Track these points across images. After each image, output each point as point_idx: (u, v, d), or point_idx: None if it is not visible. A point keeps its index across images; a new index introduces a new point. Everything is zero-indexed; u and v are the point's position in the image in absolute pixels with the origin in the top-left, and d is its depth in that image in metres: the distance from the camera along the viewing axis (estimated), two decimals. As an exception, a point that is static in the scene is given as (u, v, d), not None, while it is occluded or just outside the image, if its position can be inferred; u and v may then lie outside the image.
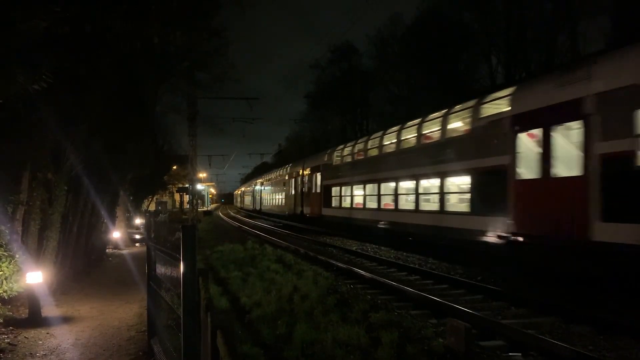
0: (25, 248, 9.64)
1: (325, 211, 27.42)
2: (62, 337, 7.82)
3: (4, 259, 8.47)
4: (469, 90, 33.33)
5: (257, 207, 57.90)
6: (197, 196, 38.68)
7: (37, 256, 10.31)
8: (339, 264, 14.30)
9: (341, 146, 27.03)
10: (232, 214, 68.73)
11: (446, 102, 18.50)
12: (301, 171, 33.51)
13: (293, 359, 6.25)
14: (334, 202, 26.08)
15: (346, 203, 24.55)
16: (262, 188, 54.33)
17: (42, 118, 9.53)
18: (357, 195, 23.30)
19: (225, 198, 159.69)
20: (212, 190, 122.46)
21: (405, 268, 13.88)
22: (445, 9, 39.20)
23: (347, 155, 25.45)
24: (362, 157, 23.11)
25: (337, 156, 26.88)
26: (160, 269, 5.88)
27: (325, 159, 28.50)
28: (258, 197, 58.31)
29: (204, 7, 15.14)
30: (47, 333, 8.06)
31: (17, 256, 8.91)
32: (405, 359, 6.01)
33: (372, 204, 21.34)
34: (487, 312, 8.67)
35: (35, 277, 8.66)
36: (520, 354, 6.57)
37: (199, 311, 4.17)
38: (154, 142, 24.61)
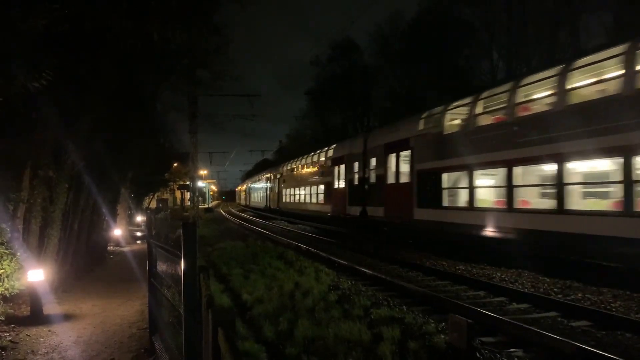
0: (26, 246, 9.67)
1: (422, 214, 16.58)
2: (64, 335, 7.83)
3: (5, 257, 8.48)
4: (470, 86, 33.24)
5: (273, 205, 44.63)
6: (198, 193, 38.71)
7: (39, 254, 10.33)
8: (341, 261, 14.29)
9: (467, 100, 15.31)
10: (234, 211, 68.63)
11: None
12: (362, 152, 22.39)
13: (295, 356, 6.26)
14: (447, 200, 15.51)
15: (484, 200, 14.05)
16: (282, 181, 41.47)
17: (42, 116, 9.54)
18: (527, 187, 12.70)
19: (226, 195, 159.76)
20: (213, 188, 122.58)
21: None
22: (446, 5, 39.14)
23: (482, 114, 14.48)
24: (529, 114, 12.55)
25: (451, 120, 16.02)
26: (162, 267, 5.88)
27: (421, 128, 17.36)
28: (274, 193, 44.65)
29: (203, 6, 15.11)
30: (49, 331, 8.08)
31: (18, 254, 8.93)
32: (407, 355, 6.01)
33: (578, 203, 11.17)
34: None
35: (36, 275, 8.67)
36: (522, 349, 6.55)
37: (200, 308, 4.17)
38: (154, 139, 24.58)
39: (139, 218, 28.28)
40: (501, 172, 13.08)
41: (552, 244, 11.23)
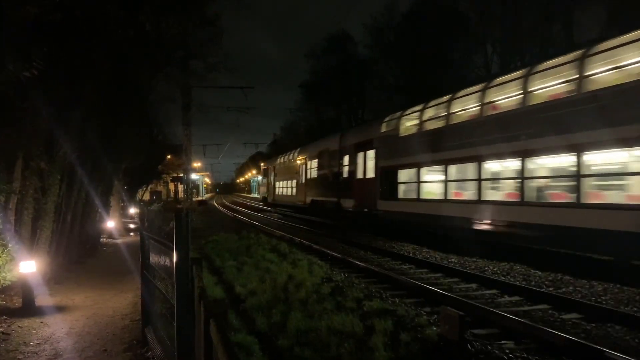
0: (18, 237, 9.61)
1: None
2: (56, 326, 7.80)
3: (-4, 249, 8.43)
4: (464, 79, 33.22)
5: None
6: (192, 186, 38.54)
7: (31, 245, 10.27)
8: (334, 253, 14.32)
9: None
10: (227, 204, 68.45)
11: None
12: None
13: (287, 347, 6.28)
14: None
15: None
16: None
17: (34, 106, 9.44)
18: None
19: (220, 188, 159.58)
20: (207, 180, 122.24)
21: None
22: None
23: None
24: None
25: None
26: (154, 259, 5.86)
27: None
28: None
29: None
30: (41, 322, 8.04)
31: (10, 245, 8.89)
32: (399, 346, 6.05)
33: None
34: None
35: (28, 267, 8.62)
36: (513, 341, 6.61)
37: (192, 300, 4.17)
38: (148, 130, 24.44)
39: (132, 210, 28.15)
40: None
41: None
